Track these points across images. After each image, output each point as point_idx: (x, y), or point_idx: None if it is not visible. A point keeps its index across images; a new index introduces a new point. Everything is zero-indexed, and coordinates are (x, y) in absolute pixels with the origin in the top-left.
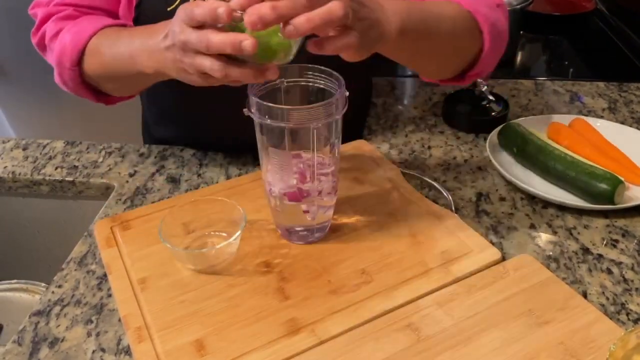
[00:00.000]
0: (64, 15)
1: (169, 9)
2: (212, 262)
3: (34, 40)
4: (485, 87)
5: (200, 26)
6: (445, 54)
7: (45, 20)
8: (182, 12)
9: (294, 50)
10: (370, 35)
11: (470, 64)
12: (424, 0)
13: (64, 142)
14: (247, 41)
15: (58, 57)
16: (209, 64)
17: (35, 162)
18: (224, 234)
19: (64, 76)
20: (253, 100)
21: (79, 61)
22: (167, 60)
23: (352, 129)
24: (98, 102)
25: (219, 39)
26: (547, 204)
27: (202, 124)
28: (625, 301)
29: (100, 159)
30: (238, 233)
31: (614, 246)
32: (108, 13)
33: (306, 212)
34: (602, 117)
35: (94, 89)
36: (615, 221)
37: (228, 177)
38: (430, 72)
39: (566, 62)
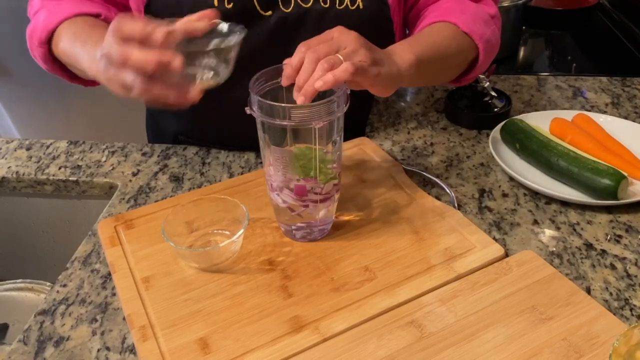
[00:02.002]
0: None
1: None
2: (216, 260)
3: (31, 13)
4: (488, 83)
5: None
6: (448, 71)
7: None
8: (113, 24)
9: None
10: (387, 72)
11: (465, 70)
12: (427, 27)
13: (68, 142)
14: (176, 61)
15: (30, 33)
16: (130, 79)
17: (39, 162)
18: (227, 233)
19: (33, 51)
20: (255, 98)
21: (48, 41)
22: (99, 68)
23: (355, 126)
24: (72, 82)
25: (138, 56)
26: (550, 199)
27: (205, 117)
28: (629, 297)
29: (104, 159)
30: (241, 231)
31: (618, 242)
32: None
33: (306, 206)
34: (605, 112)
35: (67, 69)
36: (619, 216)
37: (231, 176)
38: (433, 84)
39: (569, 57)
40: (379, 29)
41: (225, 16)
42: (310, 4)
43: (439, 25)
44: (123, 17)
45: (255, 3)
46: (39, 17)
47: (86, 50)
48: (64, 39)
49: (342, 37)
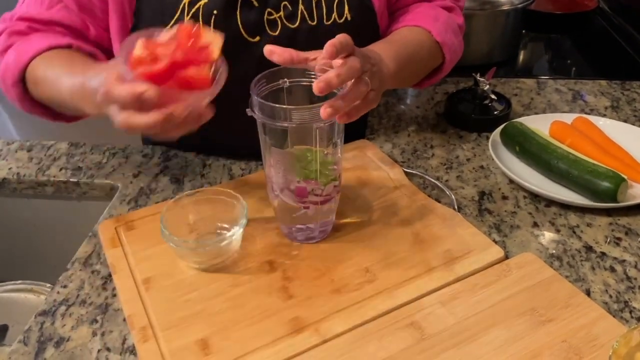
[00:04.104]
0: (15, 30)
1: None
2: (216, 259)
3: None
4: (488, 86)
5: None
6: (418, 75)
7: (1, 34)
8: (100, 90)
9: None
10: (376, 80)
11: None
12: (402, 29)
13: (68, 144)
14: (149, 92)
15: (2, 75)
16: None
17: (39, 163)
18: (227, 232)
19: (9, 93)
20: (256, 100)
21: (22, 79)
22: (97, 104)
23: (355, 128)
24: (57, 121)
25: (138, 122)
26: (550, 202)
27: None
28: (629, 299)
29: (104, 160)
30: (240, 228)
31: (617, 244)
32: (68, 29)
33: (306, 208)
34: (604, 115)
35: (49, 108)
36: (618, 219)
37: (231, 178)
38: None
39: (568, 61)
40: (367, 38)
41: None
42: (297, 24)
43: (414, 30)
44: (111, 81)
45: (242, 30)
46: (9, 57)
47: (67, 79)
48: (40, 71)
49: (361, 55)
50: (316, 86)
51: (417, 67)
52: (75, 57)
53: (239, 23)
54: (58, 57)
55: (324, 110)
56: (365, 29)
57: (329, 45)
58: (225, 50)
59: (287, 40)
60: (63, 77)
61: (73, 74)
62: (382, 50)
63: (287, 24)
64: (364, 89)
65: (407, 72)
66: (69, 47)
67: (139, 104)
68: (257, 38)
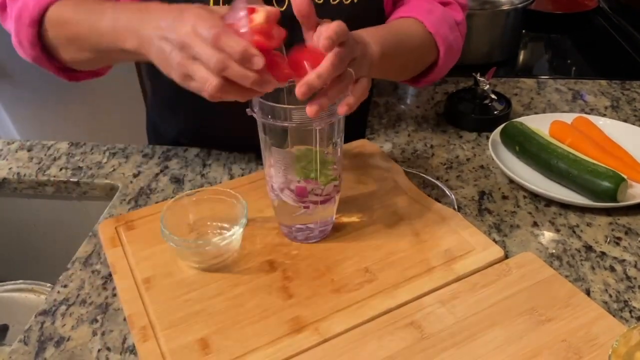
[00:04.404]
0: None
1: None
2: (216, 258)
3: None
4: (488, 86)
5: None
6: (409, 67)
7: None
8: (205, 27)
9: None
10: (365, 67)
11: (423, 71)
12: (396, 19)
13: (68, 143)
14: (260, 58)
15: (18, 12)
16: (205, 75)
17: (39, 163)
18: (227, 232)
19: (20, 35)
20: (256, 100)
21: (39, 20)
22: (155, 47)
23: (355, 128)
24: (59, 75)
25: (239, 73)
26: (549, 202)
27: (206, 117)
28: (628, 298)
29: (105, 160)
30: (240, 226)
31: (617, 244)
32: None
33: (306, 207)
34: (604, 115)
35: (55, 59)
36: (618, 219)
37: (231, 177)
38: (391, 79)
39: (568, 61)
40: (372, 22)
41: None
42: None
43: (407, 20)
44: (222, 25)
45: None
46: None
47: (121, 26)
48: (79, 14)
49: (352, 40)
50: (298, 91)
51: (407, 57)
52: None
53: None
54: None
55: (309, 109)
56: (371, 12)
57: (326, 39)
58: None
59: (292, 16)
60: (107, 9)
61: (118, 10)
62: (369, 34)
63: None
64: (347, 81)
65: (396, 61)
66: None
67: (242, 63)
68: None
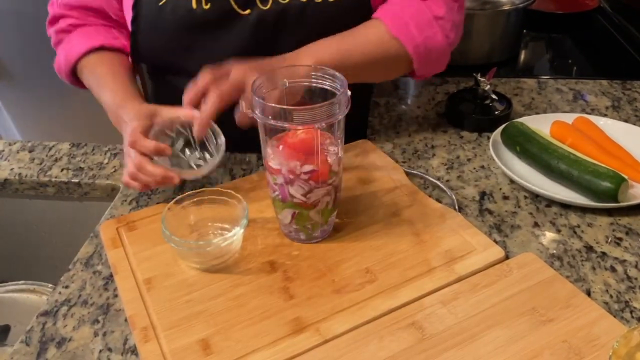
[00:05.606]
0: (61, 28)
1: (160, 4)
2: (217, 259)
3: (48, 32)
4: (488, 86)
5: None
6: (365, 73)
7: (52, 22)
8: (132, 137)
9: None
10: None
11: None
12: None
13: (70, 144)
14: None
15: (57, 69)
16: (130, 166)
17: (41, 164)
18: (228, 233)
19: (65, 81)
20: (257, 100)
21: (74, 73)
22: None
23: (356, 128)
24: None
25: (150, 172)
26: (550, 202)
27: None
28: (629, 299)
29: (106, 161)
30: (241, 227)
31: (618, 244)
32: (97, 12)
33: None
34: (605, 115)
35: None
36: (619, 219)
37: (232, 178)
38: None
39: (569, 61)
40: (359, 19)
41: (205, 17)
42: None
43: (370, 26)
44: (136, 135)
45: (232, 3)
46: (60, 56)
47: (106, 97)
48: (85, 77)
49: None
50: (196, 132)
51: (360, 64)
52: (107, 71)
53: None
54: (98, 67)
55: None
56: (357, 9)
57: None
58: (216, 22)
59: (276, 15)
60: (102, 93)
61: (112, 97)
62: (311, 46)
63: None
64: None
65: (343, 68)
66: (102, 48)
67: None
68: (248, 11)
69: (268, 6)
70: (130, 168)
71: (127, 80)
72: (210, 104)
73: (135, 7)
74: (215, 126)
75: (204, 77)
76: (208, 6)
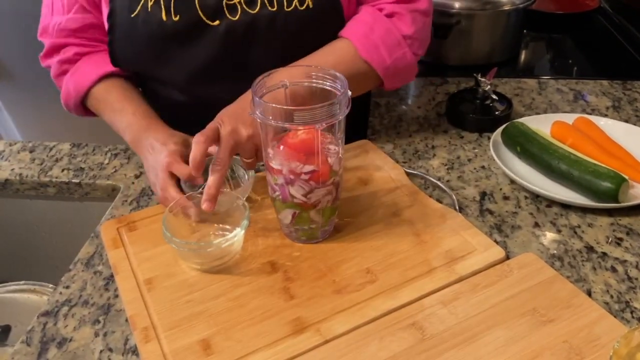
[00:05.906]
0: (65, 58)
1: (132, 16)
2: (218, 260)
3: (43, 64)
4: (489, 87)
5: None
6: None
7: (50, 53)
8: (170, 157)
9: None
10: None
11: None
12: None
13: (70, 144)
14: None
15: (64, 100)
16: (159, 191)
17: (42, 164)
18: (228, 233)
19: (71, 112)
20: (257, 101)
21: (83, 103)
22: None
23: (356, 128)
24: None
25: (173, 196)
26: (551, 202)
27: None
28: (630, 299)
29: (106, 161)
30: (241, 228)
31: (618, 244)
32: (92, 31)
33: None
34: (606, 115)
35: None
36: (620, 219)
37: None
38: None
39: (570, 61)
40: (330, 26)
41: (175, 29)
42: (257, 9)
43: (341, 45)
44: (175, 157)
45: (201, 14)
46: (69, 86)
47: (118, 124)
48: (94, 107)
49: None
50: (205, 207)
51: None
52: (122, 96)
53: (198, 7)
54: (111, 92)
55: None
56: (328, 17)
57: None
58: (186, 33)
59: (246, 26)
60: (121, 117)
61: (134, 120)
62: (281, 70)
63: (247, 9)
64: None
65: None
66: (112, 74)
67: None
68: (217, 22)
69: (237, 17)
70: (158, 192)
71: (143, 103)
72: (215, 177)
73: (109, 18)
74: (238, 159)
75: (198, 147)
76: (177, 18)
